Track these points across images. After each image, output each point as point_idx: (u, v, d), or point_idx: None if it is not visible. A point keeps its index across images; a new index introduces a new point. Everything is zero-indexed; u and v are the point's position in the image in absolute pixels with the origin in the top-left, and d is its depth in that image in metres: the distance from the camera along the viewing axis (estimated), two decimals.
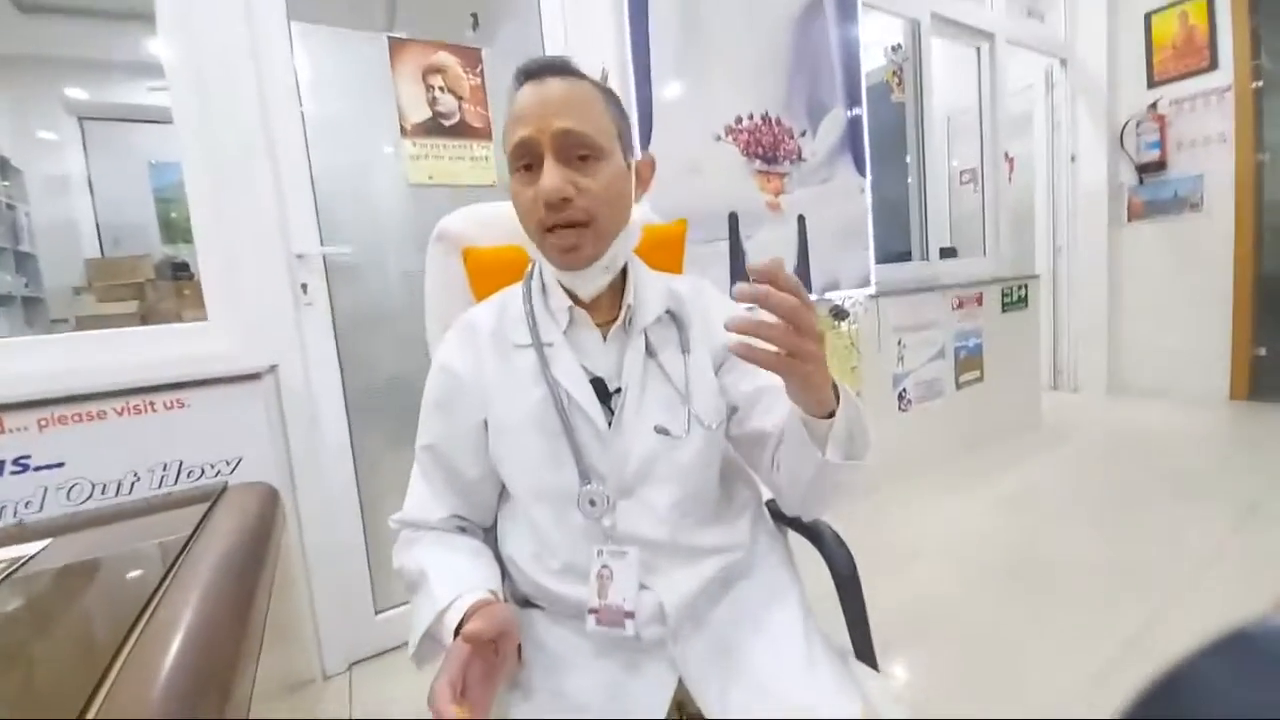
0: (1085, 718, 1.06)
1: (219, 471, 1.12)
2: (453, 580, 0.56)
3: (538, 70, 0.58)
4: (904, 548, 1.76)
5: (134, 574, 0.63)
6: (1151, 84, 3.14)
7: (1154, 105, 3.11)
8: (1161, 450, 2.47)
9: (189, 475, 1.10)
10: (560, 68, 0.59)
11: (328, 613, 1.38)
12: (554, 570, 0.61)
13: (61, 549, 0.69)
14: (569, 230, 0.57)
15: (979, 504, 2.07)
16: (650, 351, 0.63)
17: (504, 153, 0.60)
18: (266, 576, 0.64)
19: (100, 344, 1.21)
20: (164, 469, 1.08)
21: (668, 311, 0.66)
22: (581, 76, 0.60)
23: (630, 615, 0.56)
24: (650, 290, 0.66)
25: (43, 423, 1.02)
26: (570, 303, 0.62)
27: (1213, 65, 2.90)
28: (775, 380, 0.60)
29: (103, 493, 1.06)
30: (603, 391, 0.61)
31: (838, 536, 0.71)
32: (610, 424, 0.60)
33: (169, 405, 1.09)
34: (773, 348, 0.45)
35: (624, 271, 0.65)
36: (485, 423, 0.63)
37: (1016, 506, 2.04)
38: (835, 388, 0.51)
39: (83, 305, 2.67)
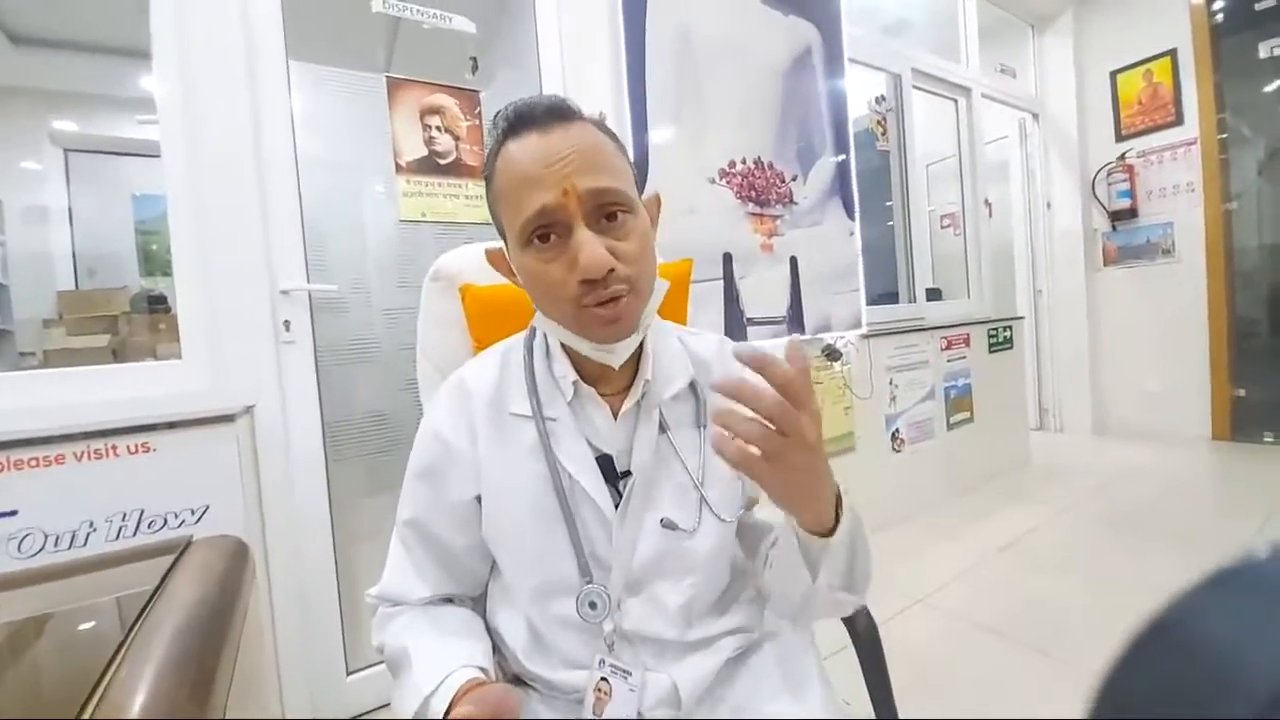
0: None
1: (183, 521, 1.04)
2: (439, 661, 0.49)
3: (539, 117, 0.49)
4: (901, 597, 1.71)
5: (90, 637, 0.57)
6: (1120, 137, 3.29)
7: (1123, 156, 3.26)
8: (1151, 493, 2.47)
9: (149, 525, 1.01)
10: (561, 110, 0.49)
11: (294, 673, 1.27)
12: (550, 663, 0.55)
13: (12, 606, 0.62)
14: (613, 304, 0.48)
15: (974, 552, 2.03)
16: (663, 427, 0.56)
17: (499, 216, 0.52)
18: (233, 642, 0.58)
19: (63, 382, 1.14)
20: (123, 519, 1.00)
21: (690, 385, 0.58)
22: (584, 118, 0.51)
23: None
24: (669, 358, 0.59)
25: None
26: (575, 376, 0.55)
27: (1178, 120, 3.06)
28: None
29: (55, 544, 0.97)
30: (609, 471, 0.55)
31: None
32: (618, 508, 0.54)
33: (133, 449, 1.01)
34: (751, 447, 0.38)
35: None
36: (478, 499, 0.56)
37: (1011, 554, 2.01)
38: (839, 502, 0.46)
39: (52, 338, 2.57)
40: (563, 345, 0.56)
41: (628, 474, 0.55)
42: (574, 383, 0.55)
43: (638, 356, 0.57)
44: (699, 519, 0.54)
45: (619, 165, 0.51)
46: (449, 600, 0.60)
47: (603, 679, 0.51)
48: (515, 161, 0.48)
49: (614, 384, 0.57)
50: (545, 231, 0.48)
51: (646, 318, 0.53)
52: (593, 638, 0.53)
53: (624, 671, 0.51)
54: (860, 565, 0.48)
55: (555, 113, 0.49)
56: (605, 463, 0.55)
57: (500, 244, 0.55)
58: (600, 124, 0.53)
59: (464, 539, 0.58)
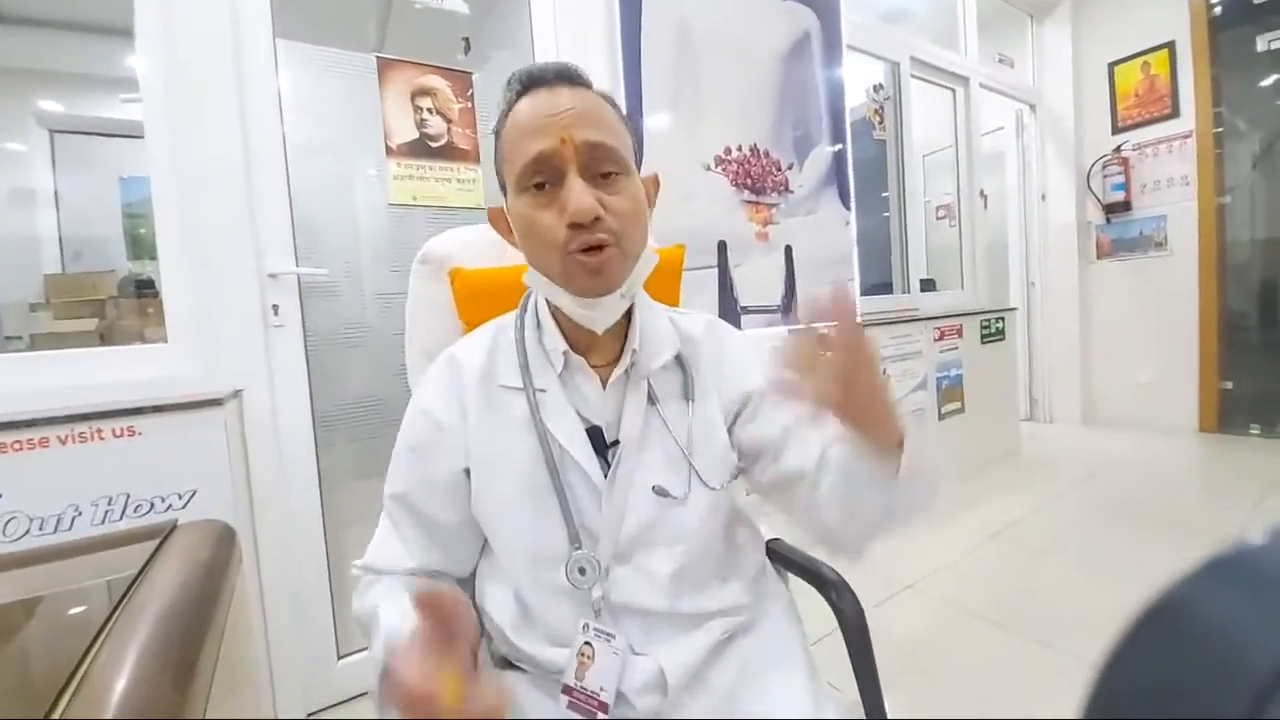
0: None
1: (170, 505, 1.03)
2: (406, 614, 0.48)
3: (548, 77, 0.52)
4: (892, 581, 1.73)
5: (70, 622, 0.56)
6: (1116, 129, 3.29)
7: (1118, 149, 3.25)
8: (1140, 483, 2.49)
9: (136, 509, 1.01)
10: (571, 75, 0.53)
11: (285, 658, 1.27)
12: (537, 637, 0.55)
13: None
14: (596, 252, 0.50)
15: (965, 538, 2.05)
16: (652, 399, 0.58)
17: (502, 170, 0.54)
18: (217, 626, 0.58)
19: (50, 365, 1.12)
20: (109, 503, 0.99)
21: (676, 357, 0.60)
22: (590, 86, 0.54)
23: (604, 708, 0.50)
24: (656, 332, 0.60)
25: None
26: (565, 345, 0.56)
27: (1174, 113, 3.06)
28: (800, 418, 0.56)
29: (40, 528, 0.96)
30: (599, 442, 0.56)
31: (845, 583, 0.66)
32: (606, 478, 0.54)
33: (119, 433, 1.00)
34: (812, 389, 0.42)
35: (627, 310, 0.58)
36: (466, 472, 0.57)
37: (1002, 541, 2.03)
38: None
39: (39, 322, 2.54)
40: (552, 315, 0.57)
41: (616, 444, 0.56)
42: (564, 353, 0.56)
43: (625, 329, 0.58)
44: (689, 487, 0.56)
45: (618, 129, 0.53)
46: (434, 576, 0.60)
47: (586, 643, 0.52)
48: (521, 114, 0.51)
49: (603, 355, 0.58)
50: (541, 180, 0.50)
51: (632, 282, 0.54)
52: (580, 612, 0.53)
53: (607, 635, 0.52)
54: (929, 454, 0.50)
55: (564, 76, 0.53)
56: (595, 434, 0.56)
57: (502, 203, 0.57)
58: (606, 95, 0.55)
59: (453, 514, 0.57)
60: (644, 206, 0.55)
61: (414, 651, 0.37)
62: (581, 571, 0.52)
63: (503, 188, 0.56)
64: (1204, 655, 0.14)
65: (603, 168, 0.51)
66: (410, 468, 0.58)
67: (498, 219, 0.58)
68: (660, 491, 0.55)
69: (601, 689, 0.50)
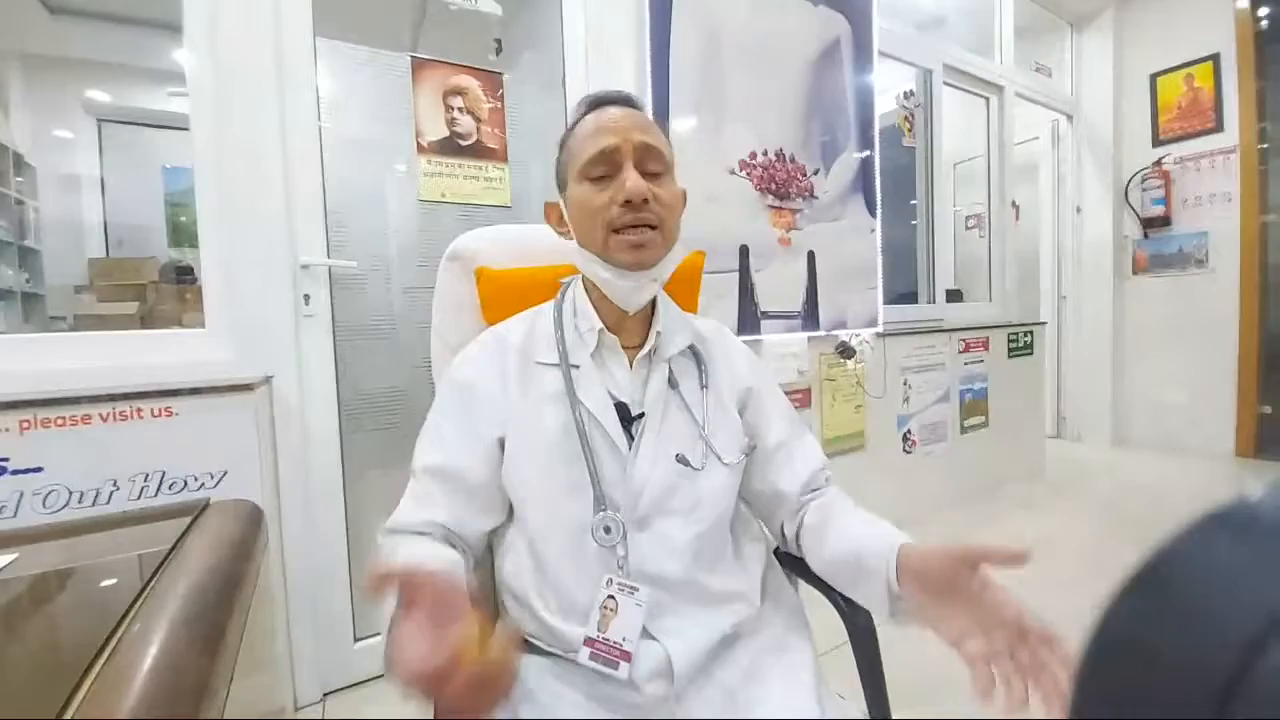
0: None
1: (202, 485, 1.07)
2: (421, 551, 0.55)
3: (611, 99, 0.64)
4: None
5: (105, 593, 0.59)
6: (1156, 142, 3.20)
7: (1159, 161, 3.16)
8: (1170, 508, 2.42)
9: (170, 487, 1.05)
10: (629, 100, 0.65)
11: (304, 638, 1.31)
12: (557, 608, 0.57)
13: (33, 559, 0.65)
14: (642, 229, 0.59)
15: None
16: (672, 382, 0.64)
17: (565, 168, 0.63)
18: (243, 603, 0.60)
19: (92, 346, 1.17)
20: (145, 479, 1.03)
21: (690, 347, 0.67)
22: (643, 110, 0.65)
23: (627, 656, 0.52)
24: (675, 321, 0.68)
25: (25, 425, 0.98)
26: (601, 325, 0.63)
27: (1218, 127, 2.96)
28: (793, 433, 0.69)
29: (79, 501, 1.01)
30: (625, 417, 0.61)
31: None
32: (631, 448, 0.59)
33: (157, 413, 1.04)
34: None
35: (652, 302, 0.66)
36: (500, 443, 0.61)
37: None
38: None
39: (82, 304, 2.65)
40: (589, 295, 0.65)
41: (640, 417, 0.61)
42: (599, 332, 0.63)
43: (650, 316, 0.66)
44: (706, 460, 0.61)
45: (664, 142, 0.64)
46: (451, 545, 0.60)
47: (609, 597, 0.55)
48: (588, 124, 0.62)
49: (630, 337, 0.65)
50: (601, 173, 0.60)
51: (663, 266, 0.62)
52: (599, 579, 0.56)
53: (631, 587, 0.55)
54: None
55: (623, 100, 0.64)
56: (621, 409, 0.61)
57: (558, 199, 0.67)
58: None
59: (484, 474, 0.61)
60: (681, 204, 0.65)
61: (408, 634, 0.39)
62: (607, 530, 0.56)
63: (561, 186, 0.66)
64: (1195, 604, 0.14)
65: (652, 166, 0.61)
66: (447, 430, 0.62)
67: (551, 211, 0.68)
68: (681, 460, 0.60)
69: (624, 639, 0.53)
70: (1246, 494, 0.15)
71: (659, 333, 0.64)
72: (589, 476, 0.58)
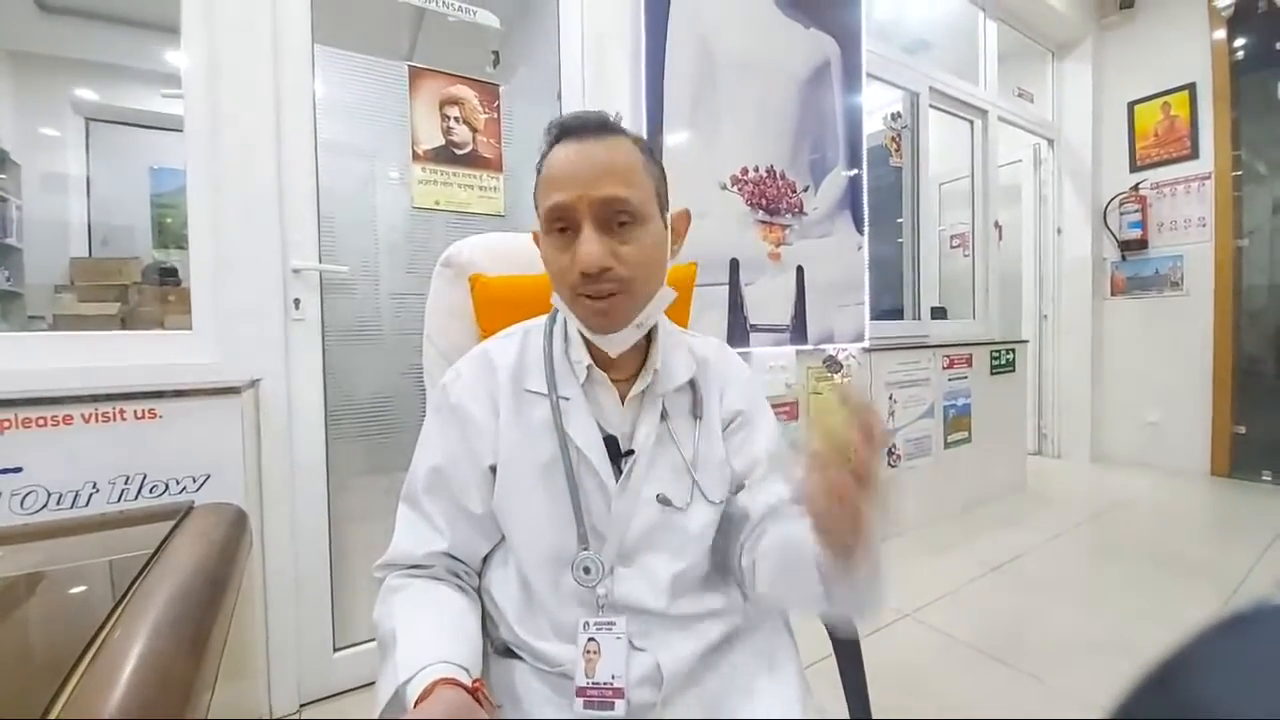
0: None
1: (184, 488, 1.05)
2: (421, 650, 0.50)
3: (577, 127, 0.55)
4: (888, 611, 1.72)
5: (87, 595, 0.58)
6: (1134, 168, 3.30)
7: (1136, 186, 3.26)
8: (1147, 524, 2.46)
9: (151, 490, 1.03)
10: (600, 125, 0.56)
11: (282, 646, 1.29)
12: (540, 629, 0.57)
13: (10, 561, 0.63)
14: (603, 299, 0.54)
15: (965, 569, 2.03)
16: (664, 416, 0.62)
17: (535, 206, 0.57)
18: (228, 607, 0.60)
19: (75, 345, 1.16)
20: (125, 481, 1.02)
21: (689, 381, 0.64)
22: (621, 133, 0.57)
23: (620, 694, 0.52)
24: (675, 356, 0.64)
25: (5, 424, 0.96)
26: (590, 360, 0.60)
27: (1193, 154, 3.06)
28: (772, 466, 0.64)
29: (58, 502, 0.99)
30: (614, 451, 0.59)
31: None
32: (618, 484, 0.58)
33: (140, 415, 1.03)
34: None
35: (649, 332, 0.62)
36: (492, 469, 0.60)
37: (1002, 575, 2.01)
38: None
39: (62, 304, 2.60)
40: (579, 330, 0.61)
41: (630, 453, 0.60)
42: (588, 367, 0.60)
43: (645, 349, 0.63)
44: (690, 498, 0.60)
45: (640, 179, 0.55)
46: (455, 575, 0.61)
47: (590, 639, 0.54)
48: (552, 163, 0.55)
49: (622, 371, 0.62)
50: (562, 225, 0.55)
51: (644, 317, 0.58)
52: (583, 610, 0.56)
53: (608, 624, 0.55)
54: (870, 590, 0.48)
55: (597, 127, 0.56)
56: (610, 443, 0.60)
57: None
58: (637, 138, 0.58)
59: (478, 502, 0.60)
60: (660, 251, 0.58)
61: None
62: (586, 571, 0.56)
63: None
64: (1211, 705, 0.14)
65: (618, 218, 0.54)
66: (440, 452, 0.61)
67: (537, 240, 0.62)
68: (664, 500, 0.58)
69: (614, 677, 0.53)
70: (1267, 599, 0.15)
71: (656, 370, 0.61)
72: (574, 513, 0.57)
